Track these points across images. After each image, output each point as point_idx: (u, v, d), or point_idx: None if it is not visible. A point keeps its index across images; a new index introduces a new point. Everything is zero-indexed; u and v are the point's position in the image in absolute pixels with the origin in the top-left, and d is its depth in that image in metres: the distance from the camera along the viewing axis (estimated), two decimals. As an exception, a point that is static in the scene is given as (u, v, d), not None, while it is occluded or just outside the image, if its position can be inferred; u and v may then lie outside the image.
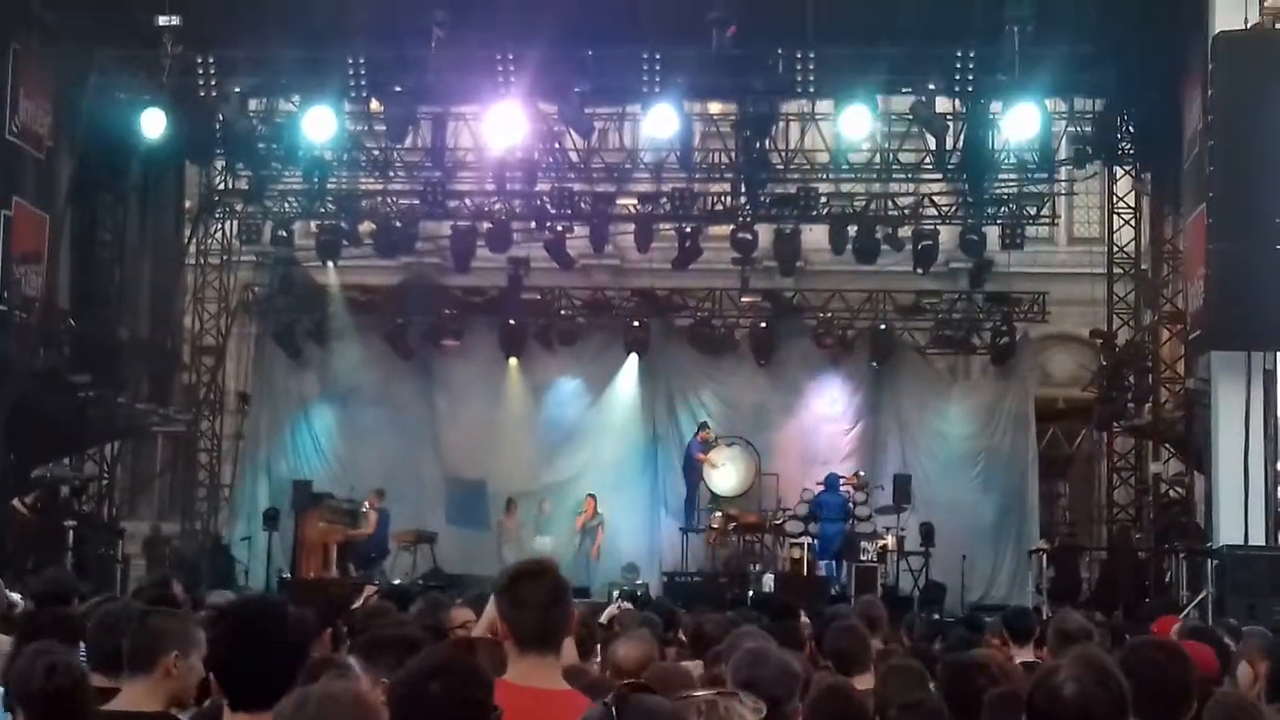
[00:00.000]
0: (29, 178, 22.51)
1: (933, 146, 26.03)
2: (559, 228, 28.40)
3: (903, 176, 28.56)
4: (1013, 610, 11.87)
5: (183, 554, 26.90)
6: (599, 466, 28.76)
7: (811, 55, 22.17)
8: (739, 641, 6.72)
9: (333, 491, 26.84)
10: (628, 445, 29.28)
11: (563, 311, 29.83)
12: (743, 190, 27.77)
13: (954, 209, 28.61)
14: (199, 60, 23.02)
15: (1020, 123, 23.35)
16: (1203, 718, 5.43)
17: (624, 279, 31.59)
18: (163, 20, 22.10)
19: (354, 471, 27.98)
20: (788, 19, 22.35)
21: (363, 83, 23.15)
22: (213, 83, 23.22)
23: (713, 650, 7.35)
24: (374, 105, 25.05)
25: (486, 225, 28.23)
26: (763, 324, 29.34)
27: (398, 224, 28.38)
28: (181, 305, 29.42)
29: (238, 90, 23.69)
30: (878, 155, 28.06)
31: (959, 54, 22.12)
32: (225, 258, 30.44)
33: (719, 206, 28.65)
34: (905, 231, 27.87)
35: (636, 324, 29.31)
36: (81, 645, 6.39)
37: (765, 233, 28.49)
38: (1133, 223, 27.98)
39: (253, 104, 25.26)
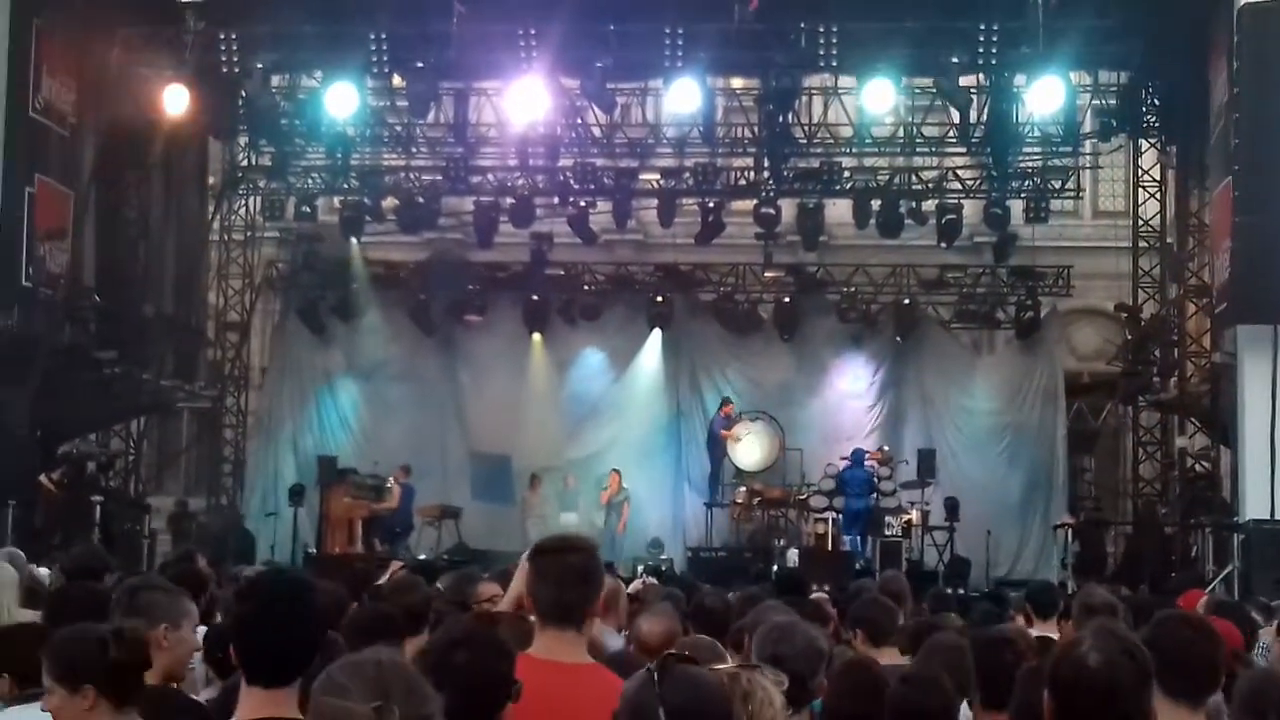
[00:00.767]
0: (53, 155, 22.55)
1: (957, 120, 25.91)
2: (582, 203, 28.39)
3: (926, 150, 28.44)
4: (1037, 585, 11.85)
5: (208, 529, 27.00)
6: (623, 442, 28.78)
7: (834, 29, 22.11)
8: (763, 616, 6.72)
9: (357, 467, 26.92)
10: (651, 420, 29.30)
11: (586, 287, 29.81)
12: (766, 165, 27.71)
13: (978, 182, 28.51)
14: (221, 36, 23.05)
15: (1045, 96, 23.24)
16: (1232, 692, 5.42)
17: (647, 254, 31.56)
18: (185, -4, 22.16)
19: (378, 447, 28.07)
20: (810, -8, 22.31)
21: (385, 58, 23.15)
22: (235, 59, 23.24)
23: (735, 626, 7.35)
24: (396, 81, 25.04)
25: (509, 201, 28.23)
26: (786, 299, 29.30)
27: (421, 200, 28.42)
28: (206, 281, 29.50)
29: (260, 66, 23.69)
30: (901, 129, 27.96)
31: (983, 27, 22.03)
32: (249, 234, 30.50)
33: (742, 181, 28.58)
34: (929, 205, 27.81)
35: (659, 299, 29.29)
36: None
37: (788, 207, 28.43)
38: (1158, 196, 27.82)
39: (275, 80, 25.27)
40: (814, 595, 10.87)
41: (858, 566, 23.93)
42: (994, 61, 22.81)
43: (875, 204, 27.41)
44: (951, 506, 25.85)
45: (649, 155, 28.96)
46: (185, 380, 27.80)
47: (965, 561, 25.01)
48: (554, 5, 21.85)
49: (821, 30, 22.10)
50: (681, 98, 23.77)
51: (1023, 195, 28.06)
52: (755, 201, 27.79)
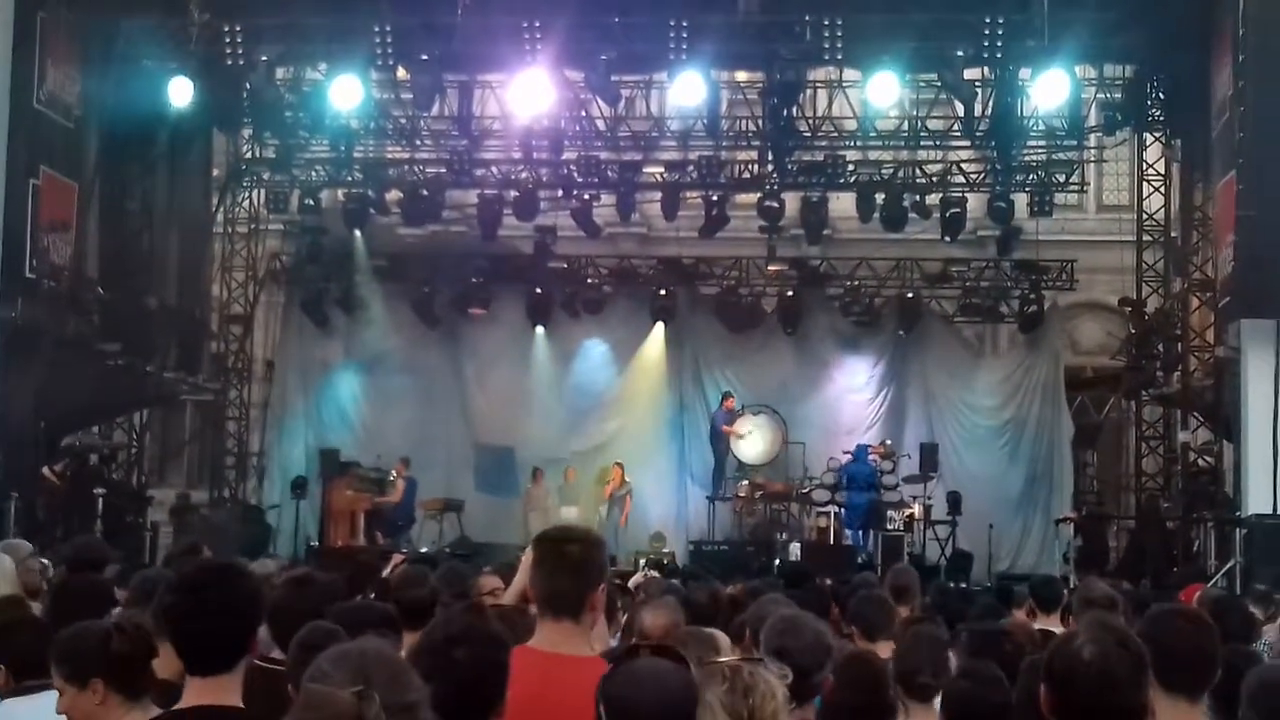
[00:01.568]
0: (57, 147, 22.55)
1: (961, 113, 25.89)
2: (586, 196, 28.39)
3: (931, 144, 28.41)
4: (1040, 579, 11.86)
5: (211, 522, 27.03)
6: (626, 434, 28.81)
7: (839, 22, 22.10)
8: (764, 609, 6.72)
9: (359, 460, 26.95)
10: (654, 413, 29.33)
11: (589, 280, 29.82)
12: (770, 158, 27.70)
13: (982, 176, 28.49)
14: (226, 29, 23.07)
15: (1049, 89, 23.22)
16: (1241, 686, 5.42)
17: (650, 247, 31.56)
18: (190, -12, 22.17)
19: (381, 439, 28.08)
20: (815, -15, 22.29)
21: (389, 51, 23.15)
22: (240, 51, 23.26)
23: (737, 619, 7.36)
24: (400, 73, 25.04)
25: (513, 193, 28.22)
26: (789, 292, 29.30)
27: (425, 192, 28.41)
28: (209, 274, 29.51)
29: (265, 58, 23.72)
30: (905, 122, 27.95)
31: (987, 20, 22.03)
32: (253, 226, 30.51)
33: (746, 174, 28.60)
34: (933, 199, 27.78)
35: (663, 292, 29.29)
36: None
37: (792, 201, 28.44)
38: (1162, 189, 27.79)
39: (280, 72, 25.29)
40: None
41: (859, 561, 23.94)
42: (999, 55, 22.78)
43: (879, 197, 27.40)
44: (953, 500, 25.87)
45: (653, 148, 28.96)
46: (188, 372, 27.81)
47: (967, 555, 25.01)
48: (558, -2, 21.88)
49: (826, 23, 22.09)
50: (686, 91, 23.76)
51: (1027, 189, 28.06)
52: (759, 195, 27.78)
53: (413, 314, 29.60)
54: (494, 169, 28.87)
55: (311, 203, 28.94)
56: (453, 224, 30.74)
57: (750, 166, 28.51)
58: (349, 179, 29.03)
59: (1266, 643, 8.90)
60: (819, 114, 28.12)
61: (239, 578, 4.50)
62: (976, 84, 24.73)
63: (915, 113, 27.78)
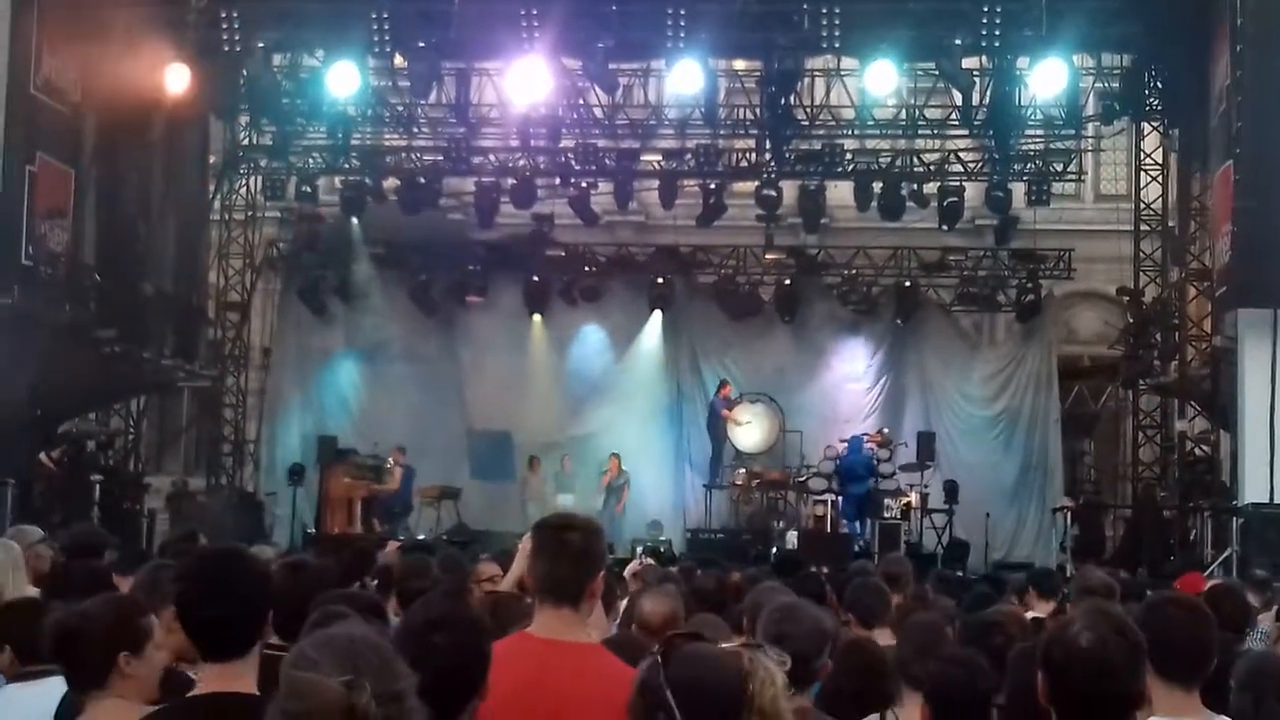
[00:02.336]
0: (54, 133, 22.52)
1: (959, 102, 25.86)
2: (583, 184, 28.37)
3: (928, 132, 28.39)
4: (1039, 571, 11.91)
5: (208, 509, 27.02)
6: (624, 422, 28.78)
7: (837, 10, 22.05)
8: (761, 596, 6.73)
9: (357, 447, 26.94)
10: (652, 401, 29.32)
11: (587, 268, 29.79)
12: (767, 146, 27.69)
13: (980, 165, 28.48)
14: (223, 15, 23.01)
15: (1047, 78, 23.21)
16: (1231, 672, 5.43)
17: (648, 235, 31.53)
18: (187, -26, 22.12)
19: (378, 427, 28.05)
20: (813, -27, 22.24)
21: (386, 38, 23.09)
22: (237, 37, 23.20)
23: (735, 608, 7.37)
24: (398, 60, 24.99)
25: (510, 181, 28.20)
26: (787, 281, 29.28)
27: (422, 180, 28.40)
28: (206, 261, 29.46)
29: (262, 45, 23.66)
30: (903, 111, 27.92)
31: (985, 9, 21.98)
32: (250, 213, 30.46)
33: (743, 163, 28.57)
34: (931, 188, 27.78)
35: (660, 281, 29.28)
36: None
37: (790, 189, 28.42)
38: (1160, 179, 27.78)
39: (277, 59, 25.24)
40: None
41: (856, 549, 23.96)
42: (996, 44, 22.75)
43: (877, 186, 27.40)
44: (950, 489, 25.89)
45: (650, 136, 28.94)
46: (185, 359, 27.77)
47: (964, 544, 25.04)
48: (556, -15, 21.84)
49: (824, 11, 22.05)
50: (683, 79, 23.73)
51: (1024, 178, 28.04)
52: (756, 183, 27.78)
53: (410, 302, 29.58)
54: (491, 157, 28.84)
55: (308, 190, 28.91)
56: (450, 211, 30.71)
57: (748, 155, 28.48)
58: (346, 166, 28.99)
59: (1263, 631, 8.91)
60: (817, 102, 28.09)
61: (250, 564, 4.50)
62: (974, 73, 24.71)
63: (913, 101, 27.75)
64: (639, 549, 21.74)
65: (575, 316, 29.84)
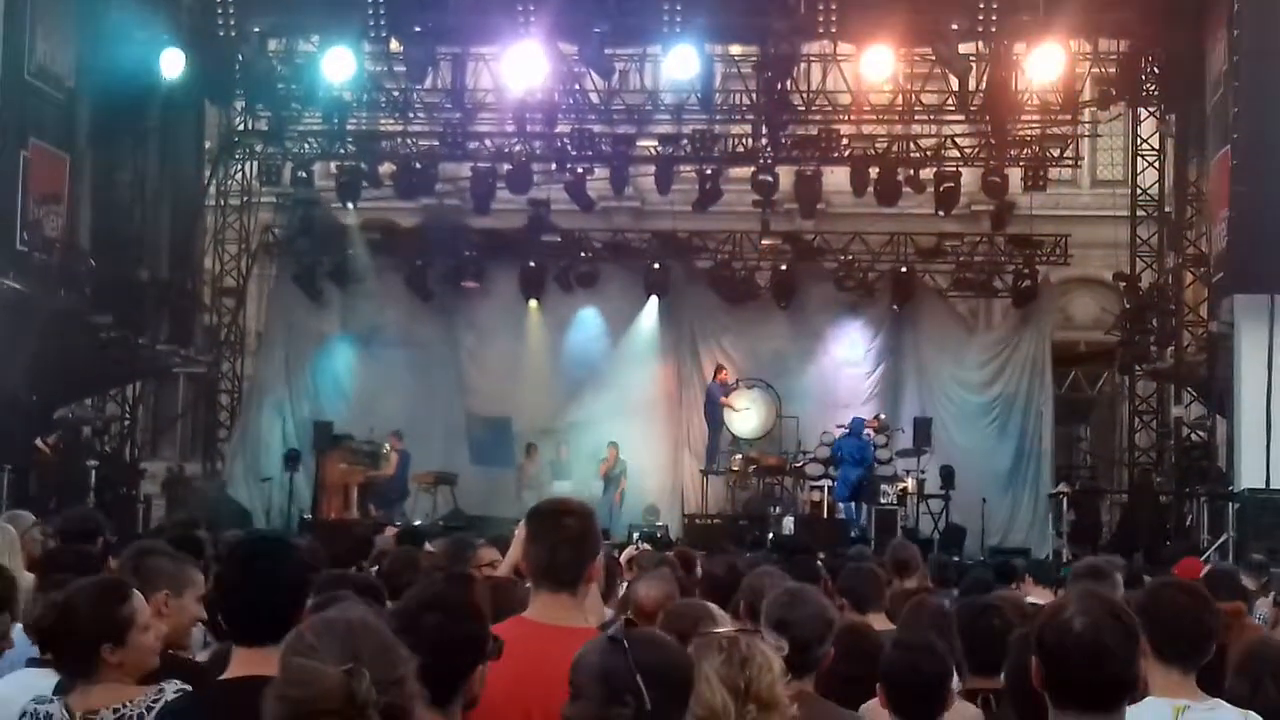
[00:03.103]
0: (48, 119, 22.48)
1: (956, 87, 25.84)
2: (579, 169, 28.31)
3: (925, 118, 28.35)
4: (1036, 562, 11.95)
5: (204, 494, 27.03)
6: (621, 408, 28.71)
7: (834, -5, 22.04)
8: (756, 581, 6.72)
9: (353, 433, 26.92)
10: (649, 387, 29.26)
11: (583, 253, 29.71)
12: (764, 132, 27.64)
13: (976, 151, 28.42)
14: (218, 0, 22.94)
15: (1044, 63, 23.19)
16: (1228, 657, 5.43)
17: (644, 221, 31.50)
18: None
19: (375, 413, 27.99)
20: (810, -42, 22.22)
21: (382, 23, 23.07)
22: (232, 23, 23.19)
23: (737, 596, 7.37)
24: (394, 45, 24.95)
25: (507, 167, 28.15)
26: (783, 266, 29.22)
27: (418, 165, 28.33)
28: (202, 246, 29.44)
29: (257, 30, 23.64)
30: (900, 96, 27.86)
31: (982, -7, 21.97)
32: (245, 199, 30.41)
33: (740, 148, 28.49)
34: (927, 173, 27.73)
35: (657, 266, 29.21)
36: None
37: (786, 175, 28.36)
38: (1156, 165, 27.77)
39: (272, 44, 25.23)
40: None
41: (853, 534, 23.96)
42: (993, 29, 22.74)
43: (873, 172, 27.34)
44: (947, 475, 25.87)
45: (647, 122, 28.85)
46: (181, 345, 27.76)
47: (960, 530, 25.03)
48: (552, -30, 21.80)
49: (821, -4, 22.04)
50: (680, 64, 23.70)
51: (1021, 163, 27.99)
52: (753, 169, 27.72)
53: (406, 287, 29.52)
54: (487, 142, 28.77)
55: (304, 175, 28.86)
56: (446, 197, 30.67)
57: (744, 140, 28.42)
58: (342, 151, 28.92)
59: (1261, 616, 8.91)
60: (813, 88, 28.05)
61: (287, 551, 4.53)
62: (971, 58, 24.68)
63: (910, 87, 27.69)
64: (635, 534, 21.73)
65: (572, 302, 29.78)
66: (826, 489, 25.81)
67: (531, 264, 29.23)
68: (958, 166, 28.11)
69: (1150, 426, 28.37)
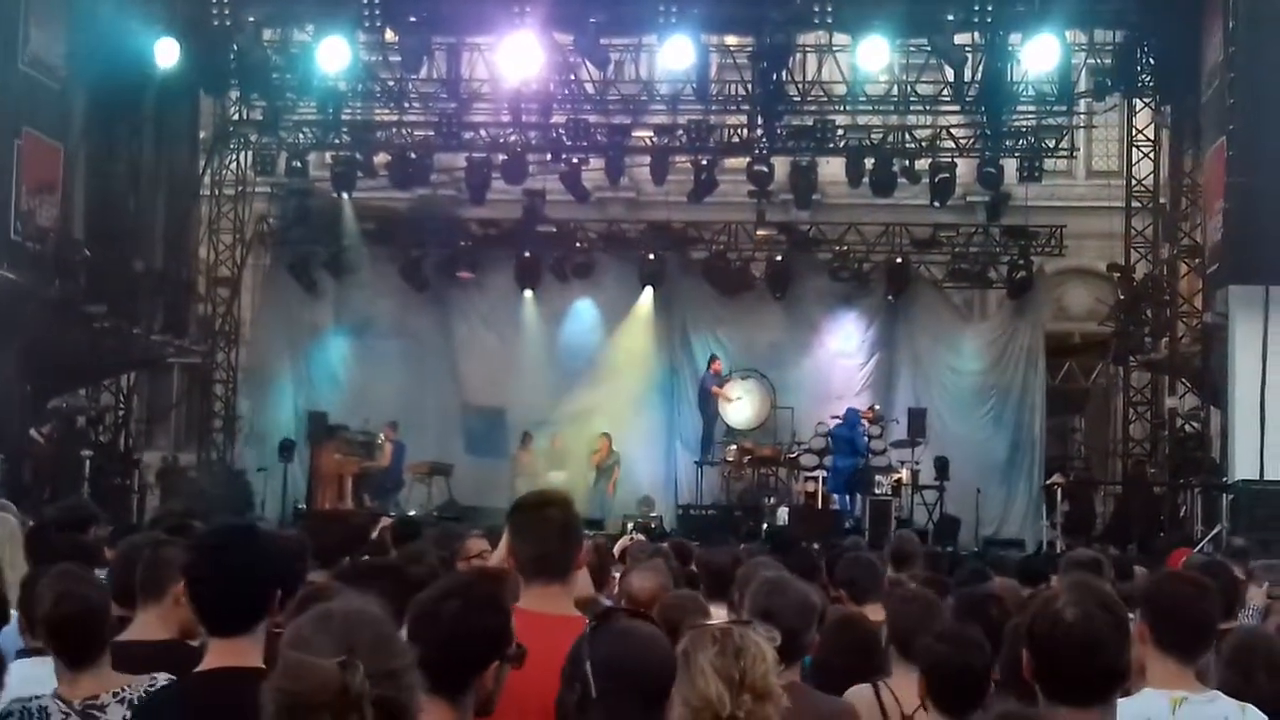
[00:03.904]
0: (42, 108, 22.43)
1: (951, 78, 25.84)
2: (574, 160, 28.27)
3: (920, 109, 28.37)
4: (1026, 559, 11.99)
5: (198, 484, 27.00)
6: (616, 398, 28.72)
7: (829, -15, 22.02)
8: (752, 572, 6.73)
9: (347, 423, 26.91)
10: (644, 378, 29.27)
11: (578, 244, 29.71)
12: (759, 122, 27.62)
13: (972, 142, 28.43)
14: (213, -11, 22.94)
15: (1039, 54, 23.21)
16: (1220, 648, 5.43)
17: (639, 211, 31.48)
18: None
19: (369, 403, 28.00)
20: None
21: (377, 12, 23.09)
22: (226, 12, 23.18)
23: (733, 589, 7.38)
24: (388, 35, 24.92)
25: (502, 157, 28.12)
26: (778, 257, 29.24)
27: (413, 155, 28.29)
28: (196, 236, 29.39)
29: (252, 20, 23.60)
30: (895, 87, 27.88)
31: (978, -16, 21.96)
32: (240, 189, 30.33)
33: (735, 139, 28.49)
34: (922, 164, 27.72)
35: (652, 256, 29.22)
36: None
37: (781, 165, 28.36)
38: (1152, 156, 27.75)
39: (267, 34, 25.16)
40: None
41: (847, 525, 23.97)
42: (989, 19, 22.78)
43: (868, 162, 27.32)
44: (941, 466, 25.88)
45: (642, 112, 28.86)
46: (175, 335, 27.72)
47: (955, 520, 25.06)
48: (547, -40, 21.77)
49: (816, -13, 22.02)
50: (675, 54, 23.70)
51: (1016, 154, 28.04)
52: (748, 159, 27.70)
53: (400, 277, 29.50)
54: (482, 132, 28.75)
55: (299, 165, 28.82)
56: (441, 187, 30.64)
57: (739, 131, 28.40)
58: (337, 141, 28.90)
59: (1254, 608, 8.92)
60: (808, 78, 28.05)
61: (256, 539, 4.51)
62: (966, 49, 24.69)
63: (905, 77, 27.72)
64: (629, 525, 21.74)
65: (567, 292, 29.78)
66: (820, 480, 25.83)
67: (526, 254, 29.22)
68: (953, 157, 28.11)
69: (1144, 417, 28.38)
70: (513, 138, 28.40)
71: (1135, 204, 27.95)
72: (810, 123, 27.69)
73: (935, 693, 5.37)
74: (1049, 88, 26.28)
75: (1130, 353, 27.81)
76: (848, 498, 25.78)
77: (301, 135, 28.94)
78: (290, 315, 29.93)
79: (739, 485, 27.34)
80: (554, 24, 23.54)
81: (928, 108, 28.26)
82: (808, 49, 27.38)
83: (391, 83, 27.90)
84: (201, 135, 29.28)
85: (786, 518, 24.35)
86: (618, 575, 8.46)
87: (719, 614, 6.48)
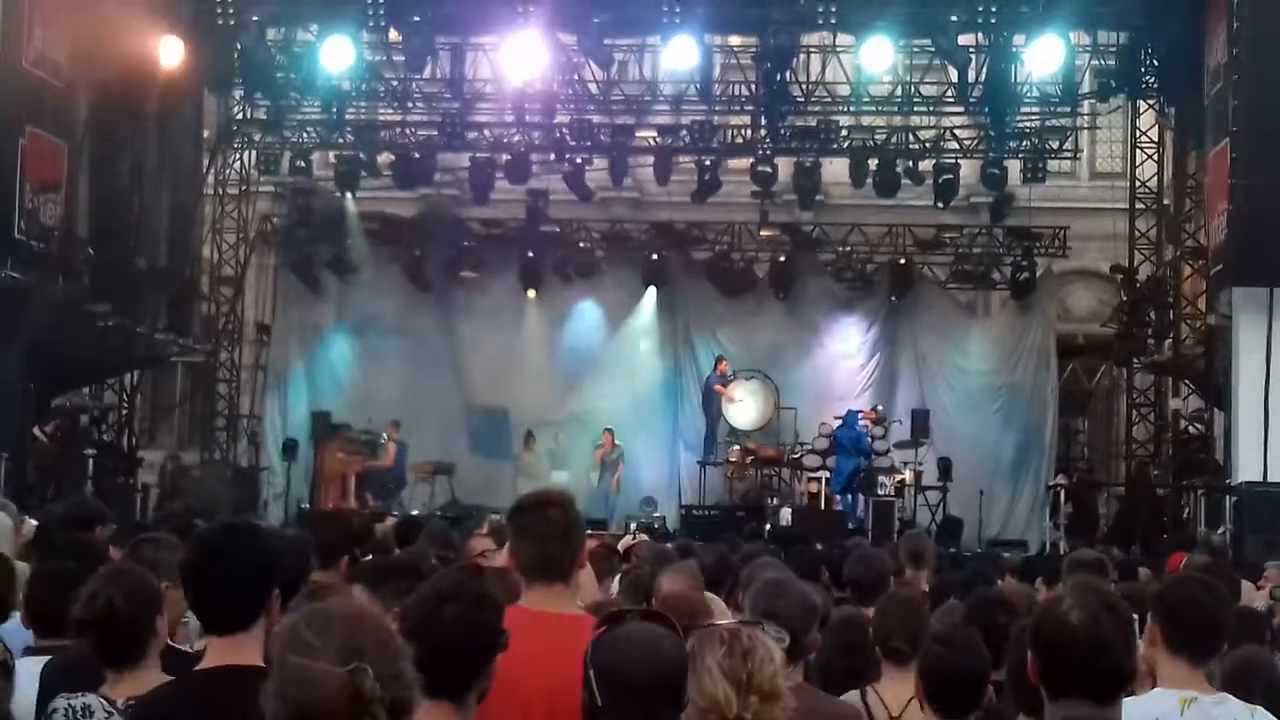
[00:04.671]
0: (46, 107, 22.40)
1: (954, 79, 25.82)
2: (578, 160, 28.27)
3: (924, 109, 28.34)
4: (1027, 559, 11.98)
5: (202, 483, 26.98)
6: (619, 398, 28.75)
7: (833, -14, 22.01)
8: (756, 573, 6.73)
9: (350, 423, 26.92)
10: (647, 378, 29.29)
11: (581, 244, 29.74)
12: (762, 123, 27.60)
13: (975, 142, 28.42)
14: (217, -12, 22.94)
15: (1043, 55, 23.20)
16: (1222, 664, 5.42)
17: (643, 212, 31.48)
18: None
19: (372, 402, 28.03)
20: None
21: (381, 12, 23.07)
22: (231, 11, 23.17)
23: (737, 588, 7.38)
24: (392, 35, 24.92)
25: (505, 157, 28.13)
26: (782, 257, 29.24)
27: (416, 155, 28.30)
28: (200, 235, 29.36)
29: (256, 19, 23.59)
30: (899, 88, 27.85)
31: (982, -15, 21.95)
32: (244, 188, 30.33)
33: (738, 139, 28.49)
34: (926, 165, 27.73)
35: (655, 257, 29.24)
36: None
37: (785, 166, 28.32)
38: (1155, 157, 27.72)
39: (271, 33, 25.17)
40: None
41: (850, 526, 23.96)
42: (993, 20, 22.76)
43: (872, 163, 27.33)
44: (944, 466, 25.87)
45: (646, 112, 28.86)
46: (179, 334, 27.71)
47: (958, 521, 25.04)
48: (551, -40, 21.77)
49: (820, -13, 22.01)
50: (679, 55, 23.69)
51: (1020, 155, 28.00)
52: (752, 160, 27.69)
53: (404, 277, 29.52)
54: (486, 132, 28.75)
55: (302, 164, 28.84)
56: (444, 187, 30.64)
57: (743, 131, 28.39)
58: (340, 141, 28.91)
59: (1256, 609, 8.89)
60: (812, 79, 28.02)
61: (254, 537, 4.52)
62: (970, 49, 24.68)
63: (909, 78, 27.70)
64: (633, 525, 21.74)
65: (570, 293, 29.80)
66: (823, 480, 25.82)
67: (530, 254, 29.23)
68: (956, 158, 28.12)
69: (1148, 419, 28.36)
70: (516, 138, 28.41)
71: (1139, 205, 27.90)
72: (814, 123, 27.68)
73: (932, 695, 5.38)
74: (1053, 89, 26.27)
75: (1134, 354, 27.78)
76: (850, 498, 25.78)
77: (305, 135, 28.96)
78: (294, 315, 29.98)
79: (742, 486, 27.34)
80: (558, 24, 23.53)
81: (931, 109, 28.24)
82: (811, 49, 27.36)
83: (395, 82, 27.89)
84: (205, 134, 29.25)
85: (790, 518, 24.34)
86: (622, 571, 8.47)
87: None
